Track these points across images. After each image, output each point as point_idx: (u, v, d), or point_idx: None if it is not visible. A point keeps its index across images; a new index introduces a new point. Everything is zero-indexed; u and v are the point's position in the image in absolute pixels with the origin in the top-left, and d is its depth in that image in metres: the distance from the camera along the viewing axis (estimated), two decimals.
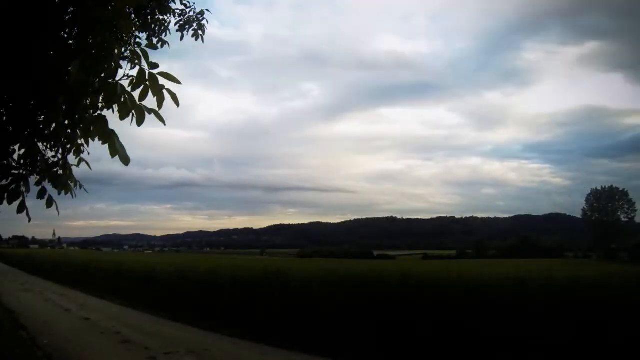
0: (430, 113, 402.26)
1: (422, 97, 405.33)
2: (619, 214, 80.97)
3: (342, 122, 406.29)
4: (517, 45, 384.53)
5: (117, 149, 2.46)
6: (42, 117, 2.72)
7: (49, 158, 2.86)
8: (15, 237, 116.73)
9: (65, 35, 2.64)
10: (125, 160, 2.50)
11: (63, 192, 2.85)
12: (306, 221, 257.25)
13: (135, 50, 2.49)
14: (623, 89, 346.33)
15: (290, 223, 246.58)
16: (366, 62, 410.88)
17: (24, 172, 2.78)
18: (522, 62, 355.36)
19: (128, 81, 2.52)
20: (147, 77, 2.42)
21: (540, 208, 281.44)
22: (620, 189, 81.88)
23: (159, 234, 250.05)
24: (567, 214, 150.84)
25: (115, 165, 2.92)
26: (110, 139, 2.48)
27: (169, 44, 5.71)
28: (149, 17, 5.37)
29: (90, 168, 2.95)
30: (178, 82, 2.46)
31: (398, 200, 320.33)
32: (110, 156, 2.47)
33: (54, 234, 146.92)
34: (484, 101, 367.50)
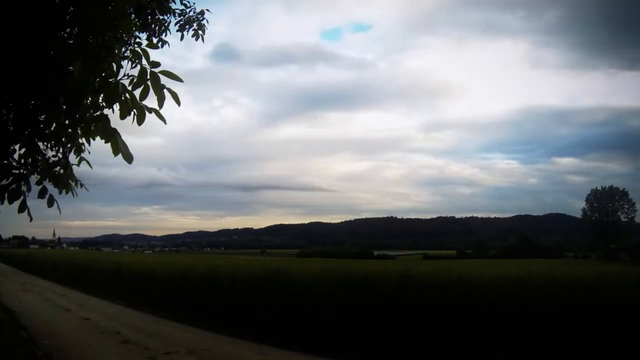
0: (367, 116, 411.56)
1: (350, 100, 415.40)
2: (619, 214, 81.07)
3: (285, 127, 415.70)
4: (417, 44, 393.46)
5: (119, 148, 2.46)
6: (43, 116, 2.72)
7: (49, 157, 2.85)
8: (15, 237, 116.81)
9: (66, 35, 2.64)
10: (128, 158, 2.50)
11: (64, 192, 2.85)
12: (306, 221, 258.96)
13: (135, 49, 2.49)
14: (563, 88, 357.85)
15: (291, 223, 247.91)
16: (277, 57, 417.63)
17: (25, 172, 2.77)
18: (428, 63, 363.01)
19: (128, 80, 2.52)
20: (148, 76, 2.42)
21: (528, 207, 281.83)
22: (621, 189, 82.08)
23: (158, 234, 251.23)
24: (567, 214, 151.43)
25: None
26: (113, 137, 2.49)
27: (169, 44, 5.73)
28: (149, 17, 5.39)
29: (91, 167, 2.95)
30: (180, 80, 2.46)
31: (382, 199, 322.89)
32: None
33: (54, 234, 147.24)
34: (417, 102, 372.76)
